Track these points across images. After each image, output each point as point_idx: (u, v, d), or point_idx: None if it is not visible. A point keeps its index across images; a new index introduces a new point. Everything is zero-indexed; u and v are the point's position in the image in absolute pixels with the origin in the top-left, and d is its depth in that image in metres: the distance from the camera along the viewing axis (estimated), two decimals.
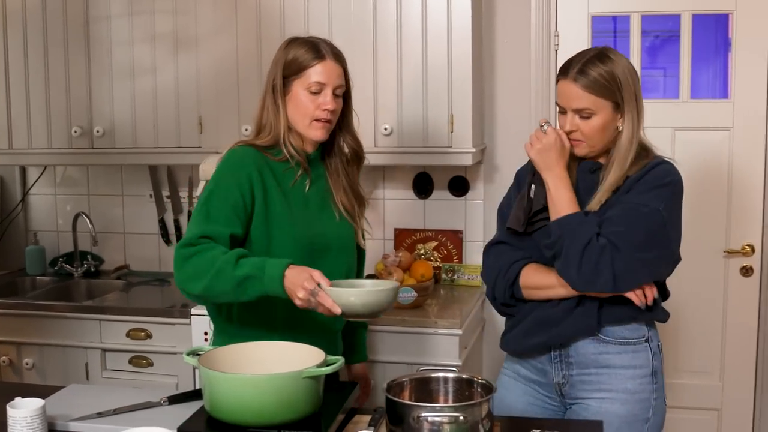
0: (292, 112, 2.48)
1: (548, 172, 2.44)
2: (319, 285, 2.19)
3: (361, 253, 2.75)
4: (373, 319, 2.35)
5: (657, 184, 2.40)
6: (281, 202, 2.45)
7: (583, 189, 2.48)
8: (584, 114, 2.40)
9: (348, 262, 2.61)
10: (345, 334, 2.71)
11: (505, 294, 2.55)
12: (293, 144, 2.49)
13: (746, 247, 3.71)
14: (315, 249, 2.48)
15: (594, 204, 2.43)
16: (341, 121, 2.56)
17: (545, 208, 2.47)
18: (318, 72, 2.44)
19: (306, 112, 2.45)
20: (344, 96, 2.54)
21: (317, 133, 2.47)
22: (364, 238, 2.70)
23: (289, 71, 2.47)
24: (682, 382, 3.77)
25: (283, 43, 2.55)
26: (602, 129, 2.42)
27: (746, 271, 3.71)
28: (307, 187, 2.51)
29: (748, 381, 3.77)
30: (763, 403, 3.75)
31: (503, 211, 2.65)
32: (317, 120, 2.45)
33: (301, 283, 2.18)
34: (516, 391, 2.60)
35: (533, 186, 2.52)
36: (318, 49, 2.47)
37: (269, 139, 2.48)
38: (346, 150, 2.61)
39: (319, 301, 2.18)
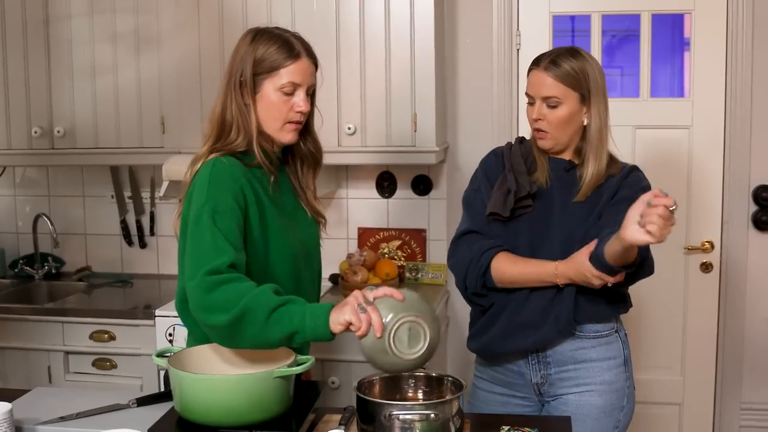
0: (262, 113, 2.31)
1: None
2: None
3: None
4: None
5: (644, 186, 2.51)
6: (273, 213, 2.33)
7: (559, 186, 2.54)
8: (551, 102, 2.47)
9: (320, 261, 2.59)
10: None
11: (477, 283, 2.54)
12: (264, 147, 2.33)
13: (706, 243, 3.76)
14: (302, 254, 2.42)
15: (580, 196, 2.49)
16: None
17: (528, 196, 2.51)
18: (292, 72, 2.29)
19: (278, 114, 2.30)
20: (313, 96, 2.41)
21: (289, 136, 2.33)
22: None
23: (259, 69, 2.29)
24: (643, 377, 3.81)
25: (246, 34, 2.36)
26: (568, 120, 2.48)
27: (706, 267, 3.77)
28: (278, 192, 2.37)
29: (708, 375, 3.83)
30: (724, 397, 3.81)
31: (470, 202, 2.66)
32: (290, 122, 2.32)
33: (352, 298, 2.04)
34: (492, 403, 2.63)
35: (512, 173, 2.55)
36: (292, 46, 2.30)
37: (242, 143, 2.30)
38: (305, 152, 2.46)
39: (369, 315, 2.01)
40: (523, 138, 2.69)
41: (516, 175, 2.54)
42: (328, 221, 2.62)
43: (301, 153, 2.46)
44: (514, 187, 2.52)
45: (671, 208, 2.01)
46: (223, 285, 2.07)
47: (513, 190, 2.51)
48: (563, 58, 2.48)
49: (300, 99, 2.31)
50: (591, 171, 2.49)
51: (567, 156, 2.57)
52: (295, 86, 2.30)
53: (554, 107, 2.47)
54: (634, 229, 2.06)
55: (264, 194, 2.31)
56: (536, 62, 2.53)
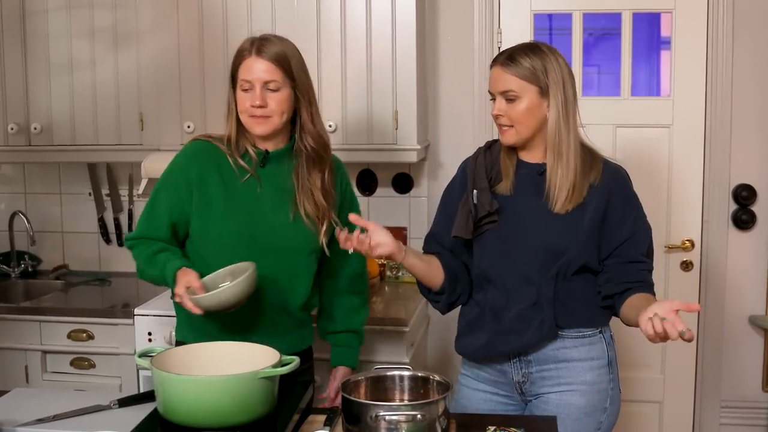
0: (238, 110, 2.55)
1: None
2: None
3: (327, 259, 2.68)
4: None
5: (632, 194, 2.55)
6: (221, 197, 2.52)
7: (532, 192, 2.50)
8: (509, 96, 2.45)
9: (298, 265, 2.60)
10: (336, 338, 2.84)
11: (420, 289, 2.71)
12: (245, 142, 2.56)
13: (686, 242, 3.77)
14: (257, 247, 2.51)
15: (560, 209, 2.45)
16: (299, 120, 2.57)
17: (490, 213, 2.48)
18: (243, 69, 2.50)
19: (242, 108, 2.51)
20: (297, 92, 2.54)
21: (256, 129, 2.51)
22: (328, 245, 2.63)
23: (232, 71, 2.55)
24: (624, 376, 3.77)
25: None
26: (528, 113, 2.46)
27: (686, 265, 3.78)
28: (259, 185, 2.54)
29: (688, 373, 3.84)
30: (704, 395, 3.82)
31: (446, 199, 2.68)
32: (252, 116, 2.50)
33: (177, 290, 2.40)
34: (475, 400, 2.61)
35: (475, 191, 2.52)
36: (246, 46, 2.52)
37: (226, 135, 2.58)
38: (308, 150, 2.57)
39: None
40: (493, 142, 2.65)
41: (478, 192, 2.52)
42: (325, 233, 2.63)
43: (301, 150, 2.58)
44: (473, 208, 2.50)
45: (680, 334, 2.12)
46: (133, 251, 2.62)
47: (473, 213, 2.50)
48: (519, 53, 2.46)
49: (254, 93, 2.48)
50: (552, 167, 2.45)
51: (538, 157, 2.53)
52: (249, 83, 2.49)
53: (512, 101, 2.45)
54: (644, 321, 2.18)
55: (219, 179, 2.53)
56: (495, 59, 2.52)
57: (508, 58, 2.46)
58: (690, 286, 3.80)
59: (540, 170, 2.51)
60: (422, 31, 3.68)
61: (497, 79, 2.48)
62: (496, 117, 2.50)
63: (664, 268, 3.79)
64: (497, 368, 2.57)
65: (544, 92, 2.45)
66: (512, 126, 2.47)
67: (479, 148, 2.66)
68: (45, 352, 3.59)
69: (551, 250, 2.45)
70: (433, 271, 2.61)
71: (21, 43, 3.80)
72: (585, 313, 2.52)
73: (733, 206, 3.74)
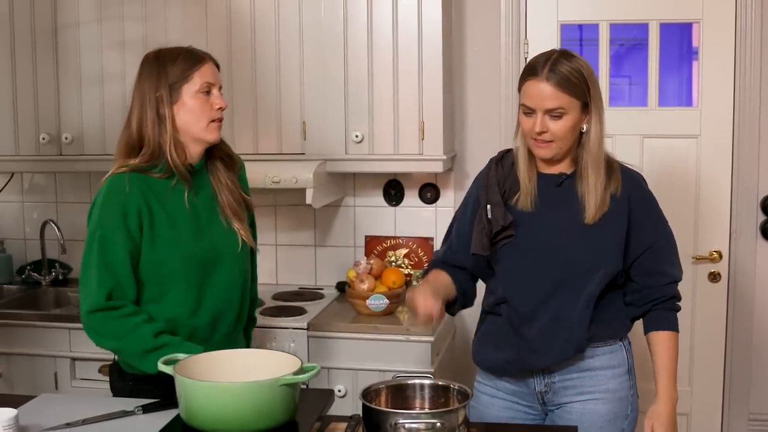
0: (185, 119, 2.47)
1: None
2: None
3: (253, 254, 2.76)
4: None
5: (650, 201, 2.51)
6: (167, 224, 2.46)
7: (552, 205, 2.46)
8: (555, 113, 2.36)
9: (242, 269, 2.64)
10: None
11: None
12: (176, 158, 2.47)
13: (714, 253, 3.75)
14: (207, 263, 2.52)
15: (589, 219, 2.41)
16: None
17: (504, 228, 2.45)
18: (204, 73, 2.49)
19: (201, 114, 2.48)
20: None
21: (214, 135, 2.51)
22: (255, 241, 2.73)
23: (173, 79, 2.46)
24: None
25: (146, 58, 2.55)
26: (572, 129, 2.39)
27: (714, 276, 3.76)
28: (187, 200, 2.50)
29: (716, 385, 3.81)
30: (732, 407, 3.79)
31: (458, 217, 2.67)
32: (213, 120, 2.50)
33: None
34: (494, 408, 2.58)
35: (489, 206, 2.48)
36: (195, 53, 2.53)
37: (147, 157, 2.46)
38: (221, 155, 2.62)
39: None
40: (505, 153, 2.59)
41: (492, 206, 2.47)
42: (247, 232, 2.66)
43: (218, 156, 2.61)
44: (488, 224, 2.46)
45: None
46: (101, 325, 2.39)
47: (486, 228, 2.46)
48: (560, 64, 2.35)
49: (217, 96, 2.52)
50: (592, 185, 2.41)
51: (562, 167, 2.48)
52: (210, 85, 2.50)
53: (558, 117, 2.37)
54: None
55: (159, 206, 2.46)
56: (532, 72, 2.38)
57: (551, 71, 2.35)
58: (718, 298, 3.77)
59: (558, 181, 2.47)
60: (448, 42, 3.69)
61: (542, 95, 2.35)
62: (538, 134, 2.39)
63: (691, 279, 3.77)
64: (519, 380, 2.54)
65: (586, 106, 2.40)
66: (552, 141, 2.40)
67: (491, 159, 2.60)
68: (74, 359, 3.64)
69: (579, 266, 2.42)
70: (447, 293, 2.57)
71: (53, 55, 3.86)
72: (609, 328, 2.51)
73: (762, 217, 3.70)
